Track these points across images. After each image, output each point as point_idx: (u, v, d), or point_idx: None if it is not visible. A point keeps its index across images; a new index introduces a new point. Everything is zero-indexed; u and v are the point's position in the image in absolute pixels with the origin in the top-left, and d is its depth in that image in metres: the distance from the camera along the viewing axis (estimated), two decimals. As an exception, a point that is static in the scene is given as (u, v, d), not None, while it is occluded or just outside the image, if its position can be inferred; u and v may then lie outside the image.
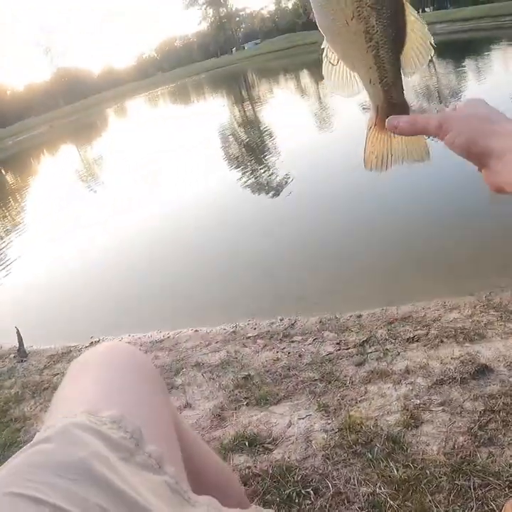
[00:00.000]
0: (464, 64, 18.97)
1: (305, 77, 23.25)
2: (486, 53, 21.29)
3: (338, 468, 1.94)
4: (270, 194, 6.60)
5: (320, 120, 12.42)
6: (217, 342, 3.13)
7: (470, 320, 2.81)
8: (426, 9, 63.05)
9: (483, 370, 2.33)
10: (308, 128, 10.95)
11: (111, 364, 0.97)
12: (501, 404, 2.10)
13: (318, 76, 23.78)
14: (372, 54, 0.67)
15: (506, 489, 1.71)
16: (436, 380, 2.34)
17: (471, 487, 1.74)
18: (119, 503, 0.69)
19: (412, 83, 15.80)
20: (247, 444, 2.13)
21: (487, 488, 1.73)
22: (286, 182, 6.67)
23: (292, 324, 3.17)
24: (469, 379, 2.30)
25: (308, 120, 12.02)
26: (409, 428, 2.08)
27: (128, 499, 0.70)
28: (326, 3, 0.65)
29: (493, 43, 24.95)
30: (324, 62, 0.73)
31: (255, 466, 2.00)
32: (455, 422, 2.08)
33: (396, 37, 0.66)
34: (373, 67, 0.68)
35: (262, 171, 8.15)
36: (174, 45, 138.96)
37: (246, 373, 2.66)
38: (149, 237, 6.30)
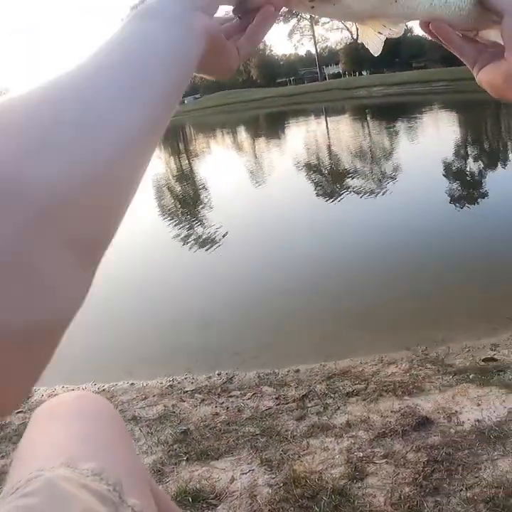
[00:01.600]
0: (397, 125, 20.18)
1: (242, 132, 23.92)
2: (418, 116, 22.78)
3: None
4: (205, 248, 6.60)
5: (254, 176, 12.71)
6: (154, 396, 3.03)
7: (408, 374, 2.87)
8: (363, 72, 67.00)
9: (423, 422, 2.37)
10: (243, 183, 11.16)
11: (81, 414, 0.96)
12: (444, 454, 2.13)
13: (254, 132, 24.57)
14: None
15: None
16: (378, 433, 2.36)
17: None
18: None
19: (345, 143, 16.63)
20: (190, 500, 2.05)
21: None
22: (222, 236, 6.72)
23: (230, 379, 3.12)
24: (411, 431, 2.33)
25: (243, 175, 12.26)
26: (355, 481, 2.07)
27: None
28: None
29: (425, 106, 26.75)
30: None
31: None
32: (399, 473, 2.08)
33: None
34: None
35: (197, 224, 8.19)
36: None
37: (185, 428, 2.57)
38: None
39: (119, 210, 0.33)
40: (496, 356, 2.96)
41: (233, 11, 0.52)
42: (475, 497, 1.88)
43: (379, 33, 0.59)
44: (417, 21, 0.63)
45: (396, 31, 0.60)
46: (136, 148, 0.33)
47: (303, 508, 1.95)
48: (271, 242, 6.42)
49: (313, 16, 0.57)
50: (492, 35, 0.62)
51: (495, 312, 3.72)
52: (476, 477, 1.99)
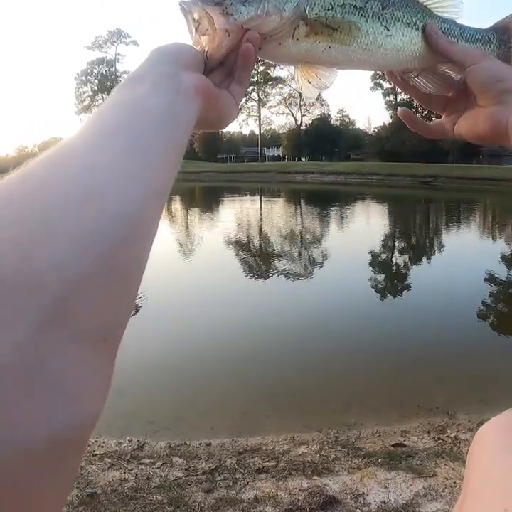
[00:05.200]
0: (329, 212, 20.86)
1: (176, 203, 23.99)
2: (351, 205, 23.66)
3: None
4: None
5: (182, 247, 12.72)
6: None
7: (318, 455, 2.94)
8: (302, 158, 69.05)
9: (331, 502, 2.44)
10: (171, 253, 11.14)
11: None
12: (348, 534, 2.18)
13: (188, 204, 24.69)
14: None
15: None
16: (285, 509, 2.40)
17: None
18: None
19: (277, 224, 17.00)
20: None
21: None
22: (141, 302, 6.69)
23: (141, 446, 3.09)
24: (317, 509, 2.39)
25: (172, 246, 12.26)
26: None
27: None
28: None
29: (358, 197, 27.82)
30: None
31: None
32: (304, 551, 2.12)
33: None
34: None
35: None
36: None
37: (92, 491, 2.53)
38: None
39: (132, 290, 0.31)
40: (405, 442, 3.08)
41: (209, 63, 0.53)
42: None
43: (308, 82, 0.61)
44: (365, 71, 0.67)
45: (325, 83, 0.61)
46: (142, 217, 0.32)
47: None
48: (191, 314, 6.48)
49: (258, 58, 0.57)
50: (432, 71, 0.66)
51: (406, 401, 3.88)
52: None
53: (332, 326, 6.04)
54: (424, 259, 11.42)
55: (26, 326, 0.23)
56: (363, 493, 2.51)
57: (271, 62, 0.63)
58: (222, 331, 5.80)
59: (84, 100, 70.43)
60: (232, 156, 79.97)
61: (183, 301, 7.15)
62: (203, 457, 2.96)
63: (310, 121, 72.74)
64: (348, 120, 77.31)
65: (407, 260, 11.29)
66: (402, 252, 12.23)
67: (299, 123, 72.37)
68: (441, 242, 14.00)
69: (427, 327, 5.86)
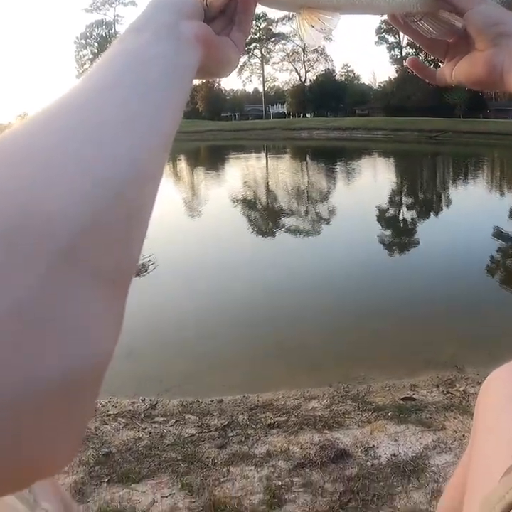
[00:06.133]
0: (335, 168, 20.73)
1: (181, 162, 23.91)
2: (357, 161, 23.47)
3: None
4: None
5: (189, 207, 12.70)
6: None
7: (328, 409, 2.98)
8: (307, 115, 68.31)
9: (341, 455, 2.48)
10: (178, 213, 11.13)
11: None
12: (360, 485, 2.24)
13: (193, 163, 24.58)
14: None
15: None
16: (297, 463, 2.45)
17: None
18: None
19: (283, 181, 16.93)
20: (110, 520, 2.07)
21: None
22: (151, 264, 6.71)
23: (154, 405, 3.15)
24: (329, 463, 2.43)
25: (178, 206, 12.24)
26: (273, 507, 2.15)
27: None
28: None
29: (364, 152, 27.58)
30: None
31: None
32: (317, 502, 2.17)
33: None
34: None
35: None
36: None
37: (107, 450, 2.59)
38: None
39: (140, 233, 0.31)
40: (414, 396, 3.12)
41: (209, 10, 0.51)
42: None
43: (311, 26, 0.59)
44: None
45: (329, 27, 0.60)
46: (149, 161, 0.32)
47: None
48: (200, 273, 6.50)
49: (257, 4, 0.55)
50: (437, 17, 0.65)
51: (415, 355, 3.92)
52: (391, 507, 2.11)
53: (340, 282, 6.06)
54: (431, 214, 11.39)
55: (39, 266, 0.23)
56: (373, 446, 2.56)
57: (272, 9, 0.60)
58: (230, 289, 5.83)
59: (85, 64, 69.32)
60: (236, 114, 79.00)
61: (190, 261, 7.17)
62: (215, 414, 3.01)
63: (314, 77, 71.59)
64: (352, 75, 76.07)
65: (415, 216, 11.26)
66: (409, 208, 12.18)
67: (303, 79, 71.26)
68: (448, 197, 13.91)
69: (435, 282, 5.88)
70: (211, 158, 29.96)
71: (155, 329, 4.60)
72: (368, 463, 2.42)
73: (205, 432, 2.80)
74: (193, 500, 2.20)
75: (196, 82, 0.45)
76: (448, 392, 3.12)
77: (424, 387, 3.26)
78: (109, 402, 3.16)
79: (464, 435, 2.59)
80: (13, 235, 0.23)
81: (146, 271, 6.53)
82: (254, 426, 2.85)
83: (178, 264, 7.03)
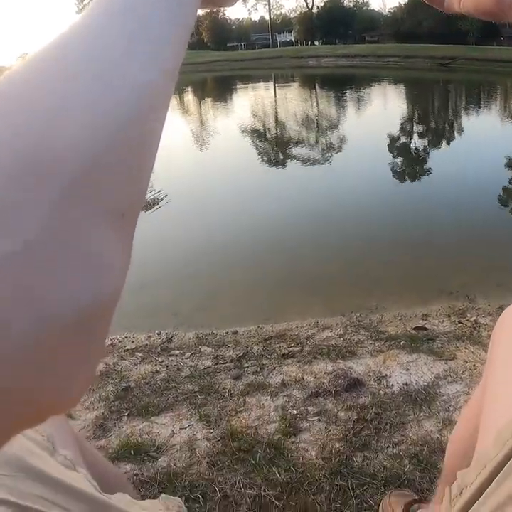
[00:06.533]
0: (345, 96, 20.33)
1: (188, 94, 23.53)
2: (367, 88, 22.98)
3: (223, 474, 1.99)
4: (143, 210, 6.58)
5: (198, 139, 12.57)
6: None
7: (342, 339, 3.01)
8: (315, 42, 66.60)
9: (355, 384, 2.51)
10: (187, 146, 11.02)
11: None
12: (373, 413, 2.28)
13: (201, 95, 24.16)
14: None
15: (382, 488, 1.86)
16: (312, 392, 2.48)
17: (350, 487, 1.88)
18: (60, 491, 0.80)
19: (292, 110, 16.63)
20: (132, 452, 2.13)
21: (364, 487, 1.88)
22: (161, 199, 6.68)
23: (170, 338, 3.19)
24: (342, 391, 2.46)
25: (187, 138, 12.11)
26: (289, 436, 2.19)
27: (65, 487, 0.81)
28: None
29: (374, 80, 26.96)
30: None
31: (142, 474, 2.00)
32: (331, 430, 2.21)
33: None
34: None
35: None
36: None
37: (125, 385, 2.63)
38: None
39: (148, 165, 0.31)
40: (426, 325, 3.13)
41: None
42: (401, 453, 2.03)
43: None
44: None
45: None
46: (155, 94, 0.31)
47: (240, 460, 2.06)
48: (211, 205, 6.47)
49: None
50: None
51: (426, 285, 3.93)
52: (403, 435, 2.14)
53: (352, 211, 6.01)
54: (442, 143, 11.19)
55: (50, 199, 0.23)
56: (386, 375, 2.59)
57: None
58: (242, 221, 5.81)
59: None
60: (242, 43, 77.07)
61: (201, 193, 7.14)
62: (230, 345, 3.05)
63: (322, 4, 69.35)
64: (361, 1, 73.52)
65: (426, 144, 11.07)
66: (420, 136, 11.97)
67: (310, 6, 69.01)
68: (460, 125, 13.63)
69: (446, 211, 5.82)
70: (218, 88, 29.41)
71: (168, 263, 4.63)
72: (381, 392, 2.45)
73: (220, 363, 2.84)
74: (210, 430, 2.25)
75: (200, 11, 0.42)
76: (459, 322, 3.13)
77: (436, 317, 3.27)
78: (125, 337, 3.20)
79: (474, 365, 2.61)
80: (26, 166, 0.23)
81: (157, 205, 6.52)
82: (268, 356, 2.89)
83: (189, 197, 6.99)
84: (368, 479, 1.92)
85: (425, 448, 2.05)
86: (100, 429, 2.30)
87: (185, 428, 2.30)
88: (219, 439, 2.19)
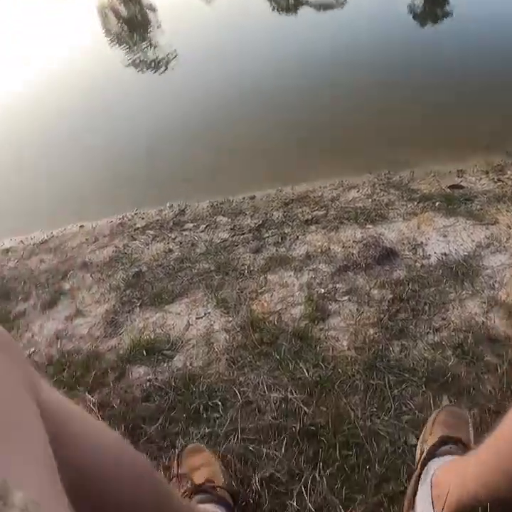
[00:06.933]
0: None
1: None
2: None
3: (244, 373, 1.76)
4: (152, 71, 6.01)
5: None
6: (104, 237, 2.78)
7: (370, 200, 2.66)
8: None
9: (388, 255, 2.21)
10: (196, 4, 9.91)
11: None
12: (410, 291, 2.00)
13: None
14: None
15: (423, 386, 1.62)
16: (340, 266, 2.19)
17: (387, 386, 1.64)
18: None
19: None
20: (145, 353, 1.90)
21: (403, 386, 1.64)
22: (172, 58, 6.05)
23: (182, 210, 2.87)
24: (374, 264, 2.17)
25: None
26: (316, 321, 1.93)
27: None
28: None
29: None
30: None
31: (156, 379, 1.78)
32: (363, 312, 1.95)
33: None
34: None
35: (145, 46, 7.38)
36: None
37: (137, 269, 2.36)
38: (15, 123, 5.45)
39: None
40: (462, 183, 2.74)
41: None
42: (443, 342, 1.77)
43: None
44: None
45: None
46: None
47: (262, 354, 1.80)
48: (222, 62, 5.72)
49: None
50: None
51: (460, 138, 3.41)
52: (444, 319, 1.86)
53: (379, 55, 5.17)
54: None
55: None
56: (422, 243, 2.25)
57: None
58: (255, 73, 5.15)
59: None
60: None
61: (213, 51, 6.34)
62: (247, 213, 2.71)
63: None
64: None
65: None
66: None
67: None
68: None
69: (481, 58, 5.03)
70: None
71: (171, 127, 4.16)
72: (417, 264, 2.13)
73: (238, 234, 2.53)
74: (229, 319, 1.98)
75: None
76: (499, 180, 2.67)
77: (473, 174, 2.80)
78: (135, 214, 2.89)
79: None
80: None
81: (166, 66, 5.92)
82: (290, 223, 2.56)
83: (198, 56, 6.22)
84: (407, 375, 1.69)
85: (470, 335, 1.78)
86: (111, 326, 2.07)
87: (202, 317, 2.05)
88: (239, 329, 1.94)
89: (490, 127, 3.47)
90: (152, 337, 1.96)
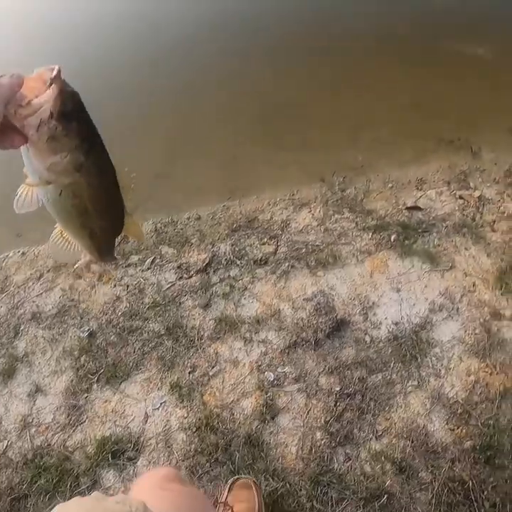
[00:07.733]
0: None
1: None
2: None
3: (203, 485, 1.92)
4: None
5: None
6: (48, 271, 2.68)
7: (322, 228, 2.59)
8: None
9: (337, 326, 2.25)
10: None
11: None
12: (357, 381, 2.09)
13: None
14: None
15: (361, 507, 1.79)
16: (289, 342, 2.24)
17: (329, 503, 1.81)
18: None
19: None
20: (110, 457, 2.01)
21: (343, 504, 1.81)
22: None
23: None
24: (324, 339, 2.22)
25: None
26: (266, 422, 2.04)
27: None
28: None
29: None
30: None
31: (125, 487, 1.93)
32: (311, 408, 2.05)
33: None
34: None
35: None
36: None
37: (88, 328, 2.36)
38: None
39: None
40: (421, 200, 2.62)
41: None
42: (384, 451, 1.87)
43: None
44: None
45: None
46: None
47: (218, 463, 1.93)
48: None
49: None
50: None
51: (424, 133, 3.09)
52: (387, 419, 1.94)
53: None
54: None
55: None
56: (373, 304, 2.22)
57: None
58: None
59: None
60: None
61: None
62: (193, 242, 2.59)
63: None
64: None
65: None
66: None
67: None
68: None
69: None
70: None
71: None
72: (367, 337, 2.17)
73: (185, 277, 2.47)
74: (185, 413, 2.07)
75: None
76: (461, 197, 2.58)
77: (434, 185, 2.66)
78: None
79: (473, 284, 2.29)
80: None
81: None
82: (238, 261, 2.49)
83: None
84: (347, 493, 1.82)
85: (409, 444, 1.90)
86: (74, 411, 2.14)
87: (158, 408, 2.14)
88: (195, 429, 2.03)
89: (456, 117, 3.12)
90: (116, 433, 2.07)
